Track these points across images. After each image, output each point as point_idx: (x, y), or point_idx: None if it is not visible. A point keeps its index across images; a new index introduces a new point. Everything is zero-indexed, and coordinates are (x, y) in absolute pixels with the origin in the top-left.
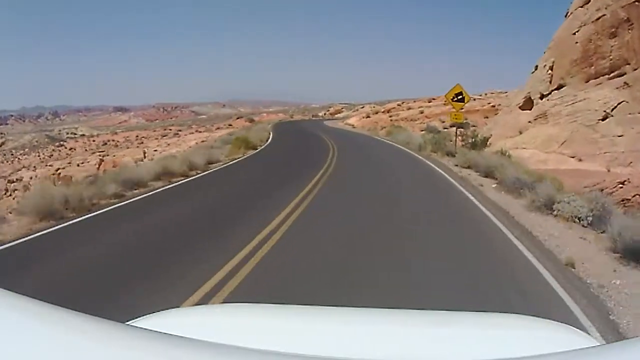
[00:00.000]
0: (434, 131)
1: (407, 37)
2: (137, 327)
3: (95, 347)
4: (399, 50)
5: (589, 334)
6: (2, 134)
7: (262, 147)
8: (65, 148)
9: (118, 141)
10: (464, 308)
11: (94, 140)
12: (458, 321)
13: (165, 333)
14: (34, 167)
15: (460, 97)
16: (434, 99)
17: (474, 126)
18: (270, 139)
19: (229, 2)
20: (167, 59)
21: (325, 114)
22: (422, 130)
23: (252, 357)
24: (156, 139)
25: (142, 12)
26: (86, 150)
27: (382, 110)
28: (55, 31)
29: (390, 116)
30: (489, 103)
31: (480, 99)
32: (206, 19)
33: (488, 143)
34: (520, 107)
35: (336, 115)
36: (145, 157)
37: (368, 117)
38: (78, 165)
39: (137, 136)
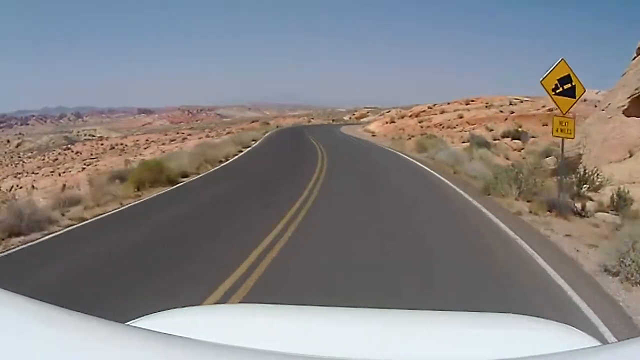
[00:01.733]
0: (482, 144)
1: (434, 39)
2: (137, 327)
3: (95, 347)
4: (427, 53)
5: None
6: (21, 134)
7: (186, 182)
8: (72, 151)
9: (126, 145)
10: None
11: (102, 144)
12: (458, 321)
13: (165, 333)
14: (27, 173)
15: (569, 85)
16: (472, 100)
17: (533, 137)
18: (233, 159)
19: (257, 4)
20: (193, 61)
21: (350, 117)
22: (463, 142)
23: (252, 357)
24: (163, 143)
25: (168, 13)
26: (91, 154)
27: (409, 114)
28: (80, 32)
29: (420, 121)
30: (544, 106)
31: (528, 100)
32: (233, 22)
33: (589, 172)
34: (625, 112)
35: (361, 120)
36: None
37: (392, 122)
38: (60, 175)
39: (146, 140)
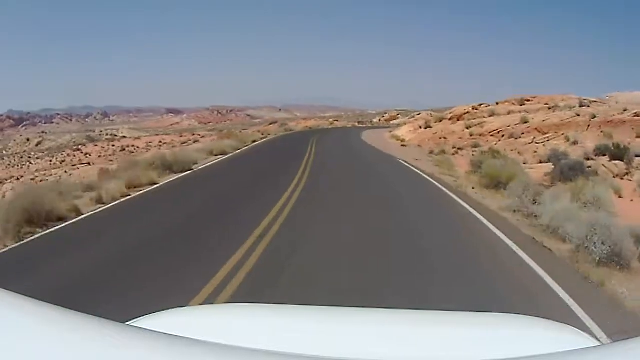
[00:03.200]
0: (578, 169)
1: (463, 40)
2: (137, 327)
3: (95, 347)
4: (458, 54)
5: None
6: (44, 132)
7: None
8: (81, 153)
9: (137, 147)
10: None
11: (113, 145)
12: (458, 321)
13: (165, 333)
14: (18, 177)
15: None
16: (528, 100)
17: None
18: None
19: (290, 6)
20: (223, 62)
21: (379, 120)
22: (541, 162)
23: (252, 357)
24: (174, 146)
25: (199, 13)
26: (100, 156)
27: (449, 116)
28: (109, 31)
29: (467, 127)
30: (625, 110)
31: (599, 102)
32: (265, 23)
33: None
34: None
35: (391, 122)
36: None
37: (427, 127)
38: (38, 181)
39: (160, 141)
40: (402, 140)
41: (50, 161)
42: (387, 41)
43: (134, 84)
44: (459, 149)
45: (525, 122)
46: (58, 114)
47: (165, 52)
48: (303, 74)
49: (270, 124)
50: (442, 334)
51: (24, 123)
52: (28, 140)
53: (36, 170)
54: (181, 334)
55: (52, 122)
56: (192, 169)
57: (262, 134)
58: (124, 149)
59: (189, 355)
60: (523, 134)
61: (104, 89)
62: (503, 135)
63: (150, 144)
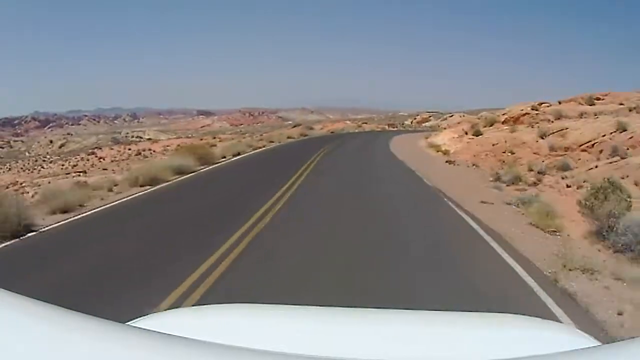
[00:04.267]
0: None
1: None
2: (137, 327)
3: (95, 347)
4: (489, 54)
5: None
6: (69, 134)
7: None
8: (95, 156)
9: (153, 151)
10: None
11: (129, 149)
12: (458, 321)
13: (165, 333)
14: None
15: None
16: (598, 98)
17: None
18: None
19: (323, 8)
20: (256, 63)
21: (411, 122)
22: None
23: (252, 357)
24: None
25: (231, 14)
26: (112, 160)
27: (502, 118)
28: (139, 33)
29: (542, 136)
30: None
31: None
32: (297, 25)
33: None
34: None
35: (423, 124)
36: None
37: (476, 135)
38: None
39: (178, 145)
40: (445, 153)
41: (63, 165)
42: (419, 42)
43: (165, 85)
44: (538, 172)
45: (624, 130)
46: (85, 115)
47: (197, 54)
48: (336, 76)
49: (294, 126)
50: (441, 334)
51: (50, 124)
52: (51, 142)
53: (40, 176)
54: (181, 334)
55: (79, 124)
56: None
57: (264, 142)
58: (139, 153)
59: (189, 356)
60: (628, 149)
61: (134, 90)
62: (601, 151)
63: (167, 147)
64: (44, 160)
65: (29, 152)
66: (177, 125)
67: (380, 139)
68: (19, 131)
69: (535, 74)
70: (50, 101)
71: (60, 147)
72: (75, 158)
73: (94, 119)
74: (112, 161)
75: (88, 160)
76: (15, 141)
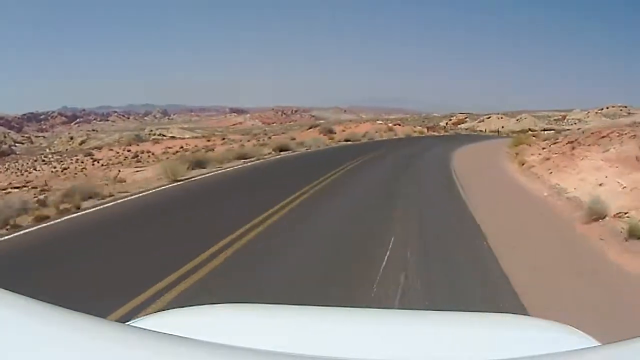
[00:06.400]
0: None
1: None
2: (137, 327)
3: (95, 347)
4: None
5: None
6: (94, 130)
7: None
8: (91, 158)
9: (152, 153)
10: None
11: (128, 151)
12: (458, 321)
13: (165, 333)
14: None
15: None
16: None
17: None
18: None
19: (359, 7)
20: (288, 62)
21: (447, 123)
22: None
23: (251, 357)
24: (196, 151)
25: (264, 13)
26: (103, 164)
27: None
28: (172, 31)
29: None
30: None
31: None
32: (331, 24)
33: None
34: None
35: (459, 126)
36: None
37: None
38: None
39: (181, 147)
40: (600, 208)
41: (55, 168)
42: (451, 42)
43: (198, 83)
44: None
45: None
46: (115, 112)
47: (232, 51)
48: (370, 75)
49: (309, 128)
50: (441, 334)
51: (77, 120)
52: (72, 138)
53: (28, 181)
54: (181, 334)
55: (108, 120)
56: None
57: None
58: (137, 155)
59: (189, 356)
60: None
61: (167, 87)
62: None
63: (169, 149)
64: (43, 161)
65: (49, 149)
66: (209, 123)
67: (432, 158)
68: (44, 126)
69: (567, 75)
70: (80, 97)
71: (80, 143)
72: (71, 159)
73: (123, 115)
74: (102, 165)
75: (83, 162)
76: (37, 137)
